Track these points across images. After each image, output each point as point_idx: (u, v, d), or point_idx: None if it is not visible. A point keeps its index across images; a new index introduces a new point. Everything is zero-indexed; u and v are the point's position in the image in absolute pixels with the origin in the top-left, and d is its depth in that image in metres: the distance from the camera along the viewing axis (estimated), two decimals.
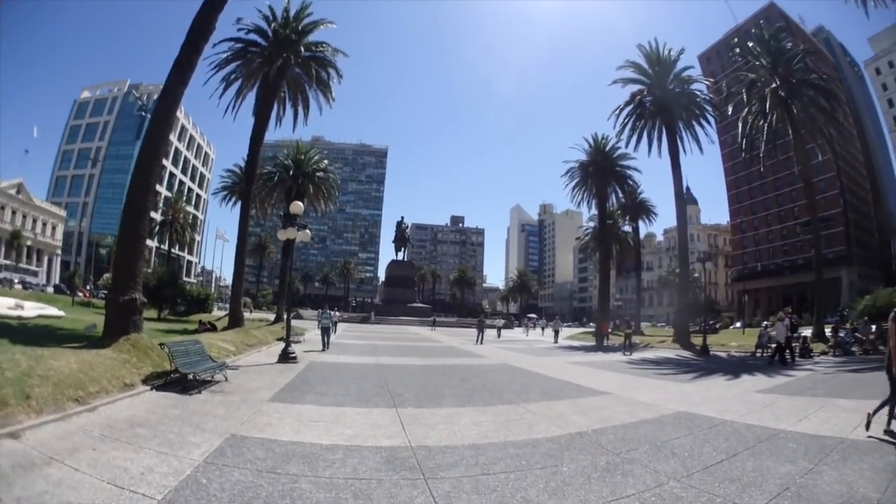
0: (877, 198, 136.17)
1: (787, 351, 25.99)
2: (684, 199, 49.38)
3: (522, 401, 13.51)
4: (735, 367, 24.90)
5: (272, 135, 49.35)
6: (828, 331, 35.63)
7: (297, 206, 22.63)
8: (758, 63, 44.48)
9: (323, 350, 26.24)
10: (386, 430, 9.48)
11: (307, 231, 23.16)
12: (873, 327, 31.57)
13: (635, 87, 48.71)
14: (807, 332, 35.63)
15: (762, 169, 57.40)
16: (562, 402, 13.64)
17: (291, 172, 55.19)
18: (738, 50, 48.46)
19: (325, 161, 60.37)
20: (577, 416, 11.72)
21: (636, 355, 32.62)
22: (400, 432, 9.36)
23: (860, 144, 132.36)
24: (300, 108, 41.98)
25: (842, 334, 31.67)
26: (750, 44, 46.68)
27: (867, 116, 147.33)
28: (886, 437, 9.23)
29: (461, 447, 8.42)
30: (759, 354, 30.30)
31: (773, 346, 26.88)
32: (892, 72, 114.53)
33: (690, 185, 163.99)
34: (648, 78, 48.08)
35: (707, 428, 10.49)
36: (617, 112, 49.27)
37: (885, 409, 9.78)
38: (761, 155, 45.19)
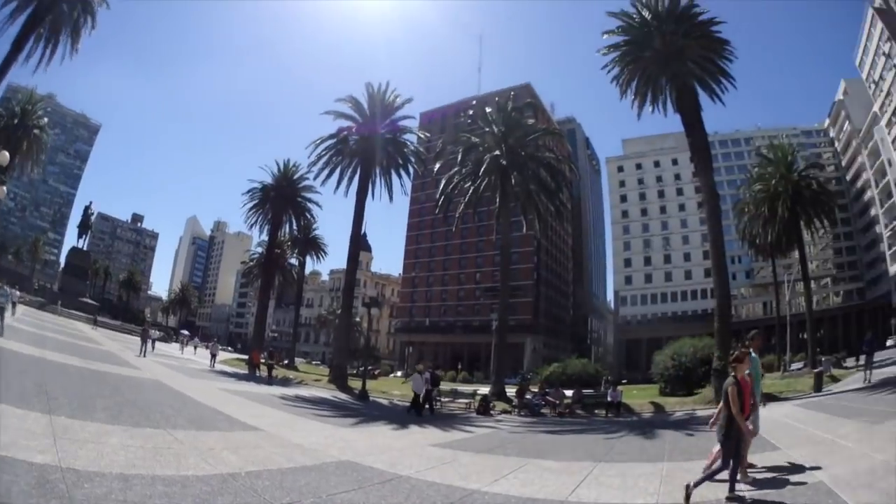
0: (579, 278, 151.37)
1: (428, 404, 26.76)
2: (360, 243, 50.62)
3: (171, 426, 12.83)
4: (400, 416, 24.67)
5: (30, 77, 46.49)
6: (511, 391, 36.78)
7: (4, 157, 20.97)
8: (487, 130, 45.29)
9: None
10: (39, 442, 8.71)
11: (3, 188, 21.93)
12: (569, 392, 32.81)
13: (346, 123, 49.00)
14: (484, 389, 37.45)
15: (454, 229, 59.92)
16: (212, 434, 13.15)
17: (16, 121, 51.24)
18: (471, 112, 49.51)
19: (45, 119, 56.70)
20: (228, 452, 11.01)
21: (290, 391, 32.59)
22: (52, 447, 8.59)
23: (572, 228, 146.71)
24: (48, 48, 40.46)
25: (529, 396, 32.12)
26: (488, 109, 47.39)
27: (588, 206, 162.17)
28: None
29: (109, 476, 7.68)
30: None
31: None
32: (636, 172, 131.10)
33: (368, 232, 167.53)
34: (363, 117, 48.66)
35: (379, 483, 9.74)
36: (317, 143, 49.29)
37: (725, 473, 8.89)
38: (457, 216, 47.06)
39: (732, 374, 9.27)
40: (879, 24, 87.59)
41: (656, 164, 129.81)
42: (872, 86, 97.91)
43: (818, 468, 10.31)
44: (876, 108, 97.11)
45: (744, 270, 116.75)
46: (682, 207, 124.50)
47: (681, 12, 36.26)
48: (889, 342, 72.84)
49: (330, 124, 49.81)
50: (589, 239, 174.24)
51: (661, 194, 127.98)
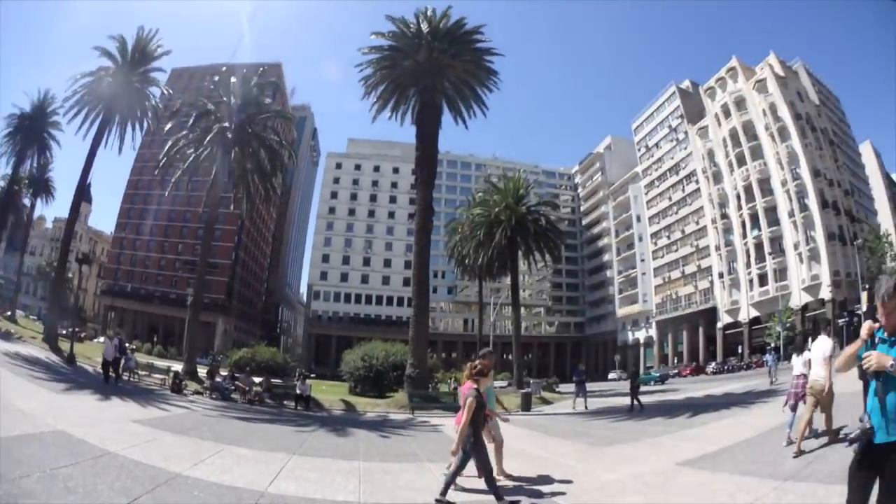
0: (275, 266, 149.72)
1: (114, 371, 26.38)
2: (84, 192, 48.82)
3: None
4: (103, 385, 24.01)
5: None
6: (202, 371, 36.12)
7: None
8: (225, 99, 43.37)
9: None
10: None
11: None
12: (258, 380, 32.03)
13: (109, 64, 45.68)
14: (178, 366, 36.29)
15: (166, 194, 58.15)
16: None
17: None
18: (217, 78, 47.74)
19: None
20: None
21: (10, 347, 30.98)
22: None
23: (277, 215, 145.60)
24: None
25: (219, 379, 31.26)
26: (234, 79, 44.99)
27: (298, 196, 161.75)
28: None
29: None
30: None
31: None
32: (355, 172, 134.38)
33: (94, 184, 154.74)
34: (123, 61, 45.58)
35: (92, 458, 9.43)
36: (77, 77, 45.10)
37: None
38: (173, 181, 45.57)
39: (475, 386, 9.38)
40: (676, 101, 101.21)
41: (377, 168, 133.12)
42: (643, 149, 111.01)
43: (539, 483, 10.43)
44: (640, 168, 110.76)
45: (447, 286, 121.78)
46: (391, 215, 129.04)
47: (460, 35, 38.02)
48: (611, 375, 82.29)
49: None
50: (292, 229, 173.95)
51: (373, 198, 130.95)
